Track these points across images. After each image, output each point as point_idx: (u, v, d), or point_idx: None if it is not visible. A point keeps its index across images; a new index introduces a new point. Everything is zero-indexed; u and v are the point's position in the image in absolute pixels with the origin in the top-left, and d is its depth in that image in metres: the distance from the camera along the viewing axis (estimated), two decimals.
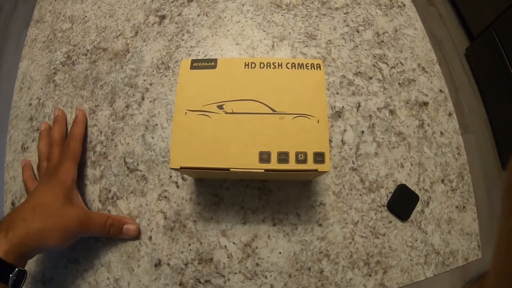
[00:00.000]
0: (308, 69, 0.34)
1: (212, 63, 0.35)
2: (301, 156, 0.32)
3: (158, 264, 0.40)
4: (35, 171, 0.44)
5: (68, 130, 0.44)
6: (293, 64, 0.34)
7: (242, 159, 0.32)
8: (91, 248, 0.42)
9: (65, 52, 0.49)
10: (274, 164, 0.31)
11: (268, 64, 0.34)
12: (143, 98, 0.45)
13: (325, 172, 0.32)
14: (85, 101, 0.46)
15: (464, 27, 1.25)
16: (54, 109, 0.46)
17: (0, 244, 0.30)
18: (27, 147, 0.46)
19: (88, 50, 0.48)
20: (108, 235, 0.40)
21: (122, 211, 0.42)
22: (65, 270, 0.41)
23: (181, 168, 0.32)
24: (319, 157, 0.32)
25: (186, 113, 0.33)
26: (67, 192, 0.37)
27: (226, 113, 0.33)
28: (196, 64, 0.35)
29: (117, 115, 0.45)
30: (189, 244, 0.41)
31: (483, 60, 1.22)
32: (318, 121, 0.33)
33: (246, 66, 0.34)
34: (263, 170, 0.31)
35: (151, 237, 0.41)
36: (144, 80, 0.45)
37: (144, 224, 0.41)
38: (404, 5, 0.49)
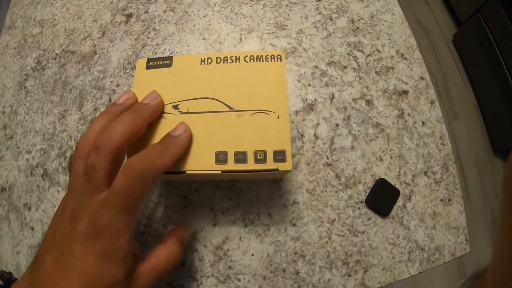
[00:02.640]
0: (268, 61, 0.30)
1: (168, 61, 0.31)
2: (260, 155, 0.27)
3: None
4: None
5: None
6: (252, 57, 0.30)
7: (198, 160, 0.28)
8: None
9: (35, 57, 0.45)
10: (231, 165, 0.27)
11: (225, 58, 0.30)
12: (110, 100, 0.41)
13: (287, 171, 0.28)
14: (54, 106, 0.42)
15: (451, 13, 1.17)
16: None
17: None
18: (2, 156, 0.43)
19: (57, 54, 0.44)
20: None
21: None
22: None
23: None
24: (280, 156, 0.27)
25: None
26: (130, 263, 0.23)
27: (182, 113, 0.29)
28: (152, 63, 0.31)
29: (86, 119, 0.41)
30: None
31: (471, 46, 1.14)
32: (278, 117, 0.28)
33: (202, 62, 0.30)
34: (220, 172, 0.27)
35: None
36: (111, 81, 0.41)
37: None
38: None
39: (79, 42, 0.44)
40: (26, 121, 0.43)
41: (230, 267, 0.36)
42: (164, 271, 0.26)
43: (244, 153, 0.27)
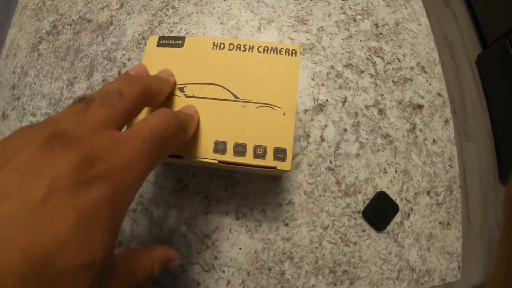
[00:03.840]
0: (282, 54, 0.28)
1: (179, 41, 0.29)
2: (259, 151, 0.26)
3: (117, 246, 0.36)
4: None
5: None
6: (266, 48, 0.28)
7: (196, 147, 0.27)
8: None
9: (51, 21, 0.44)
10: (229, 156, 0.26)
11: (239, 46, 0.29)
12: (119, 73, 0.40)
13: (285, 171, 0.26)
14: (64, 72, 0.42)
15: (478, 33, 1.12)
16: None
17: None
18: (7, 115, 0.42)
19: (73, 20, 0.44)
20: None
21: None
22: None
23: None
24: (280, 154, 0.26)
25: None
26: (118, 221, 0.16)
27: (186, 96, 0.28)
28: (164, 42, 0.29)
29: (93, 89, 0.40)
30: (150, 229, 0.36)
31: (494, 69, 1.09)
32: (284, 114, 0.27)
33: (215, 47, 0.29)
34: (216, 161, 0.26)
35: None
36: (123, 54, 0.40)
37: None
38: None
39: (97, 11, 0.43)
40: (34, 83, 0.42)
41: (216, 258, 0.35)
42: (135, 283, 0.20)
43: (243, 146, 0.26)
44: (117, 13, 0.42)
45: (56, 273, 0.12)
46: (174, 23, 0.41)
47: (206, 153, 0.26)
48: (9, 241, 0.12)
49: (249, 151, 0.26)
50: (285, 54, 0.28)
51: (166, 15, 0.41)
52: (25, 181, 0.13)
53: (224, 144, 0.26)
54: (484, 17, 1.12)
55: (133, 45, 0.40)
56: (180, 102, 0.27)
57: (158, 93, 0.24)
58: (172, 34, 0.40)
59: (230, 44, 0.29)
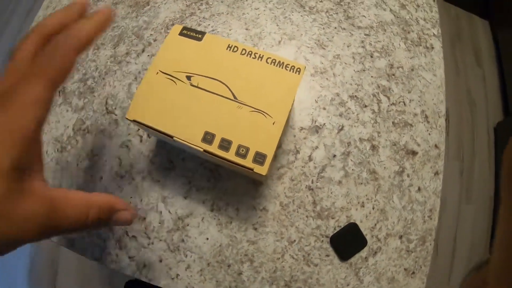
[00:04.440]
0: (287, 70, 0.31)
1: (199, 36, 0.33)
2: (242, 150, 0.29)
3: None
4: None
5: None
6: (274, 61, 0.31)
7: (188, 132, 0.29)
8: (50, 168, 0.41)
9: None
10: (214, 148, 0.29)
11: (250, 52, 0.32)
12: (143, 51, 0.43)
13: (261, 175, 0.29)
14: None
15: (504, 99, 1.11)
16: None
17: None
18: None
19: None
20: (88, 229, 0.22)
21: (88, 145, 0.41)
22: None
23: (134, 121, 0.30)
24: (260, 158, 0.28)
25: (157, 73, 0.32)
26: (21, 156, 0.18)
27: (191, 85, 0.31)
28: (186, 32, 0.33)
29: (116, 58, 0.44)
30: (131, 197, 0.39)
31: (509, 139, 1.08)
32: (273, 123, 0.29)
33: (229, 48, 0.32)
34: (202, 150, 0.29)
35: (102, 177, 0.40)
36: (151, 34, 0.44)
37: (100, 164, 0.40)
38: (433, 47, 0.43)
39: None
40: None
41: (183, 240, 0.37)
42: (61, 226, 0.20)
43: (229, 142, 0.29)
44: None
45: None
46: (204, 18, 0.44)
47: (195, 139, 0.29)
48: None
49: (233, 148, 0.29)
50: (290, 70, 0.31)
51: (199, 9, 0.44)
52: None
53: (213, 135, 0.29)
54: None
55: (162, 29, 0.44)
56: (183, 88, 0.30)
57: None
58: (199, 28, 0.43)
59: (243, 49, 0.32)
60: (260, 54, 0.31)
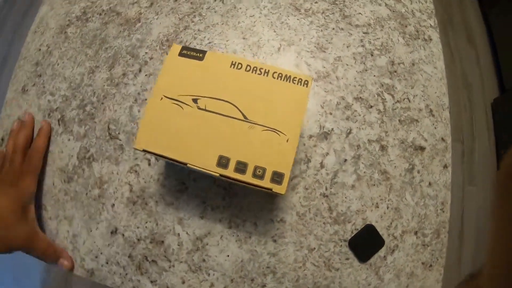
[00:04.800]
0: (295, 83, 0.31)
1: (200, 55, 0.32)
2: (259, 171, 0.29)
3: (114, 232, 0.39)
4: None
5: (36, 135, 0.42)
6: (280, 75, 0.31)
7: (201, 158, 0.29)
8: (59, 200, 0.41)
9: (82, 7, 0.47)
10: (230, 172, 0.29)
11: (255, 68, 0.31)
12: (140, 70, 0.43)
13: (280, 194, 0.29)
14: (87, 60, 0.44)
15: (498, 76, 1.12)
16: (24, 111, 0.44)
17: None
18: (27, 90, 0.45)
19: (103, 10, 0.46)
20: (44, 260, 0.38)
21: (95, 174, 0.41)
22: None
23: (144, 150, 0.30)
24: (278, 177, 0.29)
25: (162, 98, 0.31)
26: (25, 207, 0.37)
27: (199, 108, 0.30)
28: (185, 52, 0.32)
29: (113, 81, 0.43)
30: (146, 222, 0.39)
31: (508, 115, 1.09)
32: (287, 141, 0.29)
33: (232, 66, 0.31)
34: (218, 175, 0.29)
35: (114, 204, 0.40)
36: (146, 53, 0.43)
37: (111, 191, 0.40)
38: (431, 39, 0.43)
39: (127, 5, 0.46)
40: (57, 64, 0.45)
41: (204, 260, 0.38)
42: (32, 247, 0.37)
43: (245, 165, 0.29)
44: (146, 11, 0.45)
45: None
46: (199, 30, 0.43)
47: (209, 165, 0.29)
48: None
49: (249, 170, 0.29)
50: (297, 84, 0.31)
51: (193, 22, 0.44)
52: None
53: (227, 159, 0.29)
54: (506, 61, 1.12)
55: (157, 45, 0.43)
56: (191, 112, 0.30)
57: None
58: (195, 41, 0.43)
59: (247, 65, 0.31)
60: (265, 69, 0.31)
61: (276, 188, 0.28)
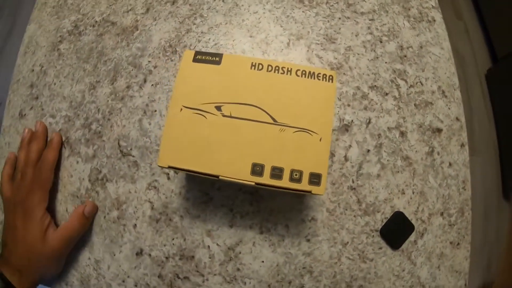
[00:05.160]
0: (319, 79, 0.30)
1: (217, 59, 0.30)
2: (296, 175, 0.28)
3: (139, 253, 0.38)
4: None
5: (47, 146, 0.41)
6: (304, 72, 0.30)
7: (234, 168, 0.28)
8: None
9: (73, 21, 0.44)
10: (266, 179, 0.28)
11: (277, 68, 0.30)
12: (145, 81, 0.41)
13: (319, 195, 0.28)
14: (86, 75, 0.42)
15: (489, 47, 1.15)
16: (36, 121, 0.42)
17: None
18: (25, 114, 0.43)
19: (96, 21, 0.44)
20: (89, 222, 0.39)
21: (111, 195, 0.39)
22: None
23: (169, 167, 0.28)
24: (315, 179, 0.28)
25: (181, 109, 0.29)
26: (45, 226, 0.37)
27: (224, 115, 0.29)
28: (200, 57, 0.30)
29: (117, 95, 0.41)
30: (173, 239, 0.38)
31: (503, 84, 1.13)
32: (320, 140, 0.28)
33: (253, 67, 0.30)
34: (254, 183, 0.28)
35: (135, 225, 0.38)
36: (149, 61, 0.41)
37: (130, 211, 0.39)
38: (434, 20, 0.43)
39: (121, 14, 0.44)
40: (54, 84, 0.43)
41: (238, 269, 0.37)
42: (69, 239, 0.37)
43: (280, 170, 0.28)
44: (142, 17, 0.43)
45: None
46: (202, 32, 0.41)
47: (243, 174, 0.28)
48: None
49: (286, 174, 0.28)
50: (322, 80, 0.30)
51: (194, 24, 0.42)
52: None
53: (262, 166, 0.28)
54: (496, 31, 1.15)
55: (160, 53, 0.41)
56: (215, 121, 0.28)
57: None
58: (200, 44, 0.41)
59: (268, 65, 0.30)
60: (288, 68, 0.30)
61: (315, 190, 0.28)
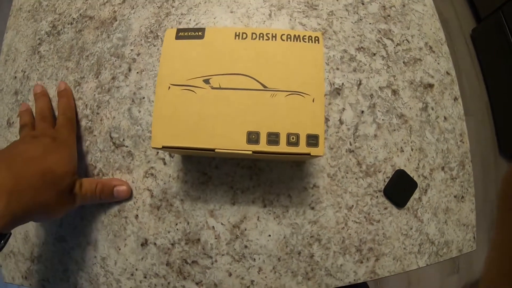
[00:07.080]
0: (305, 42, 0.29)
1: (200, 33, 0.30)
2: (292, 138, 0.27)
3: (144, 243, 0.37)
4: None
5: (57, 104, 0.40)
6: (289, 36, 0.29)
7: (229, 139, 0.27)
8: (77, 227, 0.38)
9: (50, 22, 0.44)
10: (263, 146, 0.27)
11: (261, 35, 0.29)
12: (130, 69, 0.40)
13: (318, 156, 0.28)
14: (70, 73, 0.41)
15: (472, 8, 1.15)
16: (34, 85, 0.41)
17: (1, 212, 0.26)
18: (13, 122, 0.42)
19: (74, 18, 0.43)
20: (100, 201, 0.37)
21: None
22: (53, 248, 0.38)
23: (163, 147, 0.28)
24: (313, 140, 0.27)
25: (169, 87, 0.29)
26: (75, 161, 0.35)
27: (213, 88, 0.28)
28: (182, 34, 0.30)
29: (103, 88, 0.40)
30: (176, 224, 0.37)
31: (488, 43, 1.13)
32: (313, 100, 0.28)
33: (237, 37, 0.29)
34: (251, 152, 0.27)
35: (137, 215, 0.38)
36: (132, 50, 0.41)
37: (130, 202, 0.38)
38: None
39: (98, 7, 0.43)
40: None
41: (246, 246, 0.36)
42: (84, 191, 0.34)
43: (276, 135, 0.27)
44: (120, 7, 0.42)
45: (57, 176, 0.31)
46: (182, 14, 0.41)
47: (240, 144, 0.27)
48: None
49: (283, 139, 0.27)
50: (308, 41, 0.29)
51: (173, 7, 0.41)
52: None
53: (257, 134, 0.28)
54: None
55: (141, 40, 0.41)
56: (205, 95, 0.28)
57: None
58: (181, 26, 0.40)
59: (252, 33, 0.29)
60: (273, 33, 0.29)
61: (314, 151, 0.27)
